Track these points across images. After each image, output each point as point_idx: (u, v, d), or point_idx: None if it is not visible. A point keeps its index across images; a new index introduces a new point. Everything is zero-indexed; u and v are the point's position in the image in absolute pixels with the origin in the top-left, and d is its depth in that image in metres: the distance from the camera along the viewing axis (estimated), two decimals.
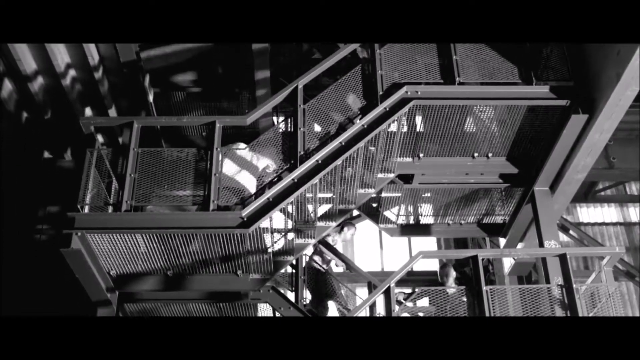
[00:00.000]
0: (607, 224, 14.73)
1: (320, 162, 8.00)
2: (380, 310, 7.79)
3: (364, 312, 8.10)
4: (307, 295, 9.83)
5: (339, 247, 9.72)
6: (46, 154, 11.74)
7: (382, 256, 14.51)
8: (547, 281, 8.09)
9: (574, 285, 7.24)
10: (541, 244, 8.77)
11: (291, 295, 9.44)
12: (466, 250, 9.11)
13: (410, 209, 10.39)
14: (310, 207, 8.53)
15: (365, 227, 13.88)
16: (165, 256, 8.10)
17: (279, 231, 8.39)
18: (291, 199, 7.79)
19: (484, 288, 7.17)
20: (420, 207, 10.30)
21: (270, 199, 7.74)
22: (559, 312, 7.32)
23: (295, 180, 7.86)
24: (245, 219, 7.61)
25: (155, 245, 7.87)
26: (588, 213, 14.82)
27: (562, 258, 7.43)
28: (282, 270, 9.11)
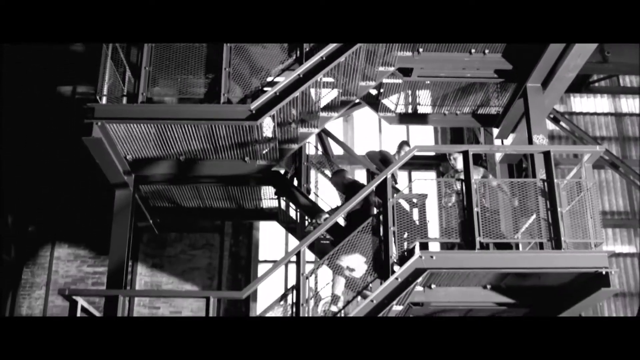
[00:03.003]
0: (598, 114, 15.13)
1: (324, 58, 8.42)
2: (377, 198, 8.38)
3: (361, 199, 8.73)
4: (311, 179, 10.44)
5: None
6: None
7: (380, 140, 15.02)
8: (534, 174, 8.69)
9: (556, 180, 7.83)
10: (530, 137, 9.30)
11: (295, 181, 10.10)
12: (458, 145, 9.63)
13: (409, 98, 10.81)
14: (314, 99, 9.02)
15: (365, 113, 14.33)
16: (178, 143, 8.70)
17: (284, 121, 8.94)
18: (297, 93, 8.29)
19: (473, 180, 7.76)
20: (418, 97, 10.72)
21: (277, 93, 8.24)
22: (542, 204, 7.91)
23: (301, 76, 8.33)
24: (253, 112, 8.15)
25: (169, 134, 8.45)
26: (581, 103, 15.19)
27: (547, 155, 7.98)
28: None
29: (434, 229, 8.12)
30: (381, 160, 9.83)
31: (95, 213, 13.31)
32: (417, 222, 8.07)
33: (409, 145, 9.81)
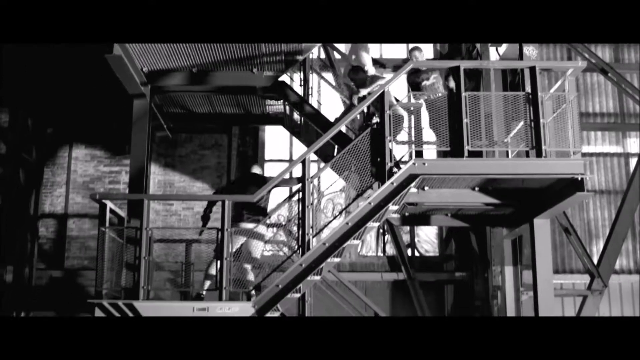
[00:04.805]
0: None
1: None
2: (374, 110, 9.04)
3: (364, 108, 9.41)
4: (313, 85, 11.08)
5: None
6: None
7: (381, 50, 15.45)
8: (523, 85, 9.30)
9: (540, 94, 8.46)
10: (521, 49, 9.85)
11: (300, 90, 10.74)
12: (451, 61, 10.15)
13: None
14: None
15: None
16: (191, 57, 9.34)
17: None
18: None
19: (463, 94, 8.39)
20: None
21: None
22: (527, 114, 8.55)
23: None
24: None
25: (182, 49, 9.07)
26: None
27: (532, 70, 8.57)
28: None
29: (428, 136, 8.84)
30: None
31: (109, 115, 14.01)
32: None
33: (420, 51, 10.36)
